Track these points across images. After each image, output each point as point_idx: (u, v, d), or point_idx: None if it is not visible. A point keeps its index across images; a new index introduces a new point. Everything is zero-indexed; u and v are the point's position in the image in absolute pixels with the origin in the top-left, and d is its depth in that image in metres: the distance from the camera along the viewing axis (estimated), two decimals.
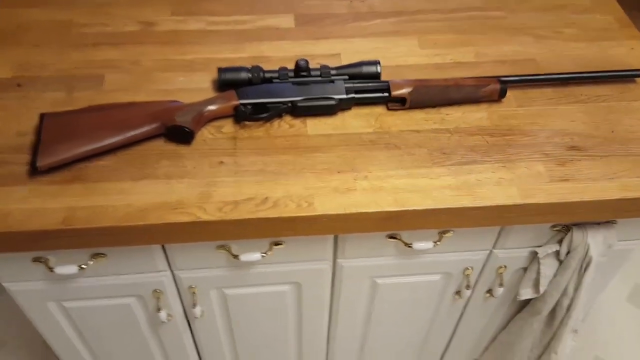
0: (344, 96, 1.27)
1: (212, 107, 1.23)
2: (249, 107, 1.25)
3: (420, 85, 1.29)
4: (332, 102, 1.27)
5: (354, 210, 1.12)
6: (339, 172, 1.18)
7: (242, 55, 1.43)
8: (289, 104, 1.26)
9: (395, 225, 1.17)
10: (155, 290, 1.36)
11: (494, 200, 1.14)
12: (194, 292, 1.39)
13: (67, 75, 1.35)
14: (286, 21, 1.52)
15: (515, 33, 1.50)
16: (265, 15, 1.52)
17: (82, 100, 1.29)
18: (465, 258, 1.39)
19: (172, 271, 1.33)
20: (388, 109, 1.31)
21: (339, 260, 1.36)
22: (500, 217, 1.17)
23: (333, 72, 1.31)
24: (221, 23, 1.50)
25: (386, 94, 1.29)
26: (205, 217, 1.10)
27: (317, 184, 1.16)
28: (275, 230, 1.15)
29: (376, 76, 1.31)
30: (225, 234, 1.14)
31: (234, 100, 1.25)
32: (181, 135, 1.20)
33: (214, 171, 1.17)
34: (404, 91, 1.28)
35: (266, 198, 1.13)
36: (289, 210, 1.12)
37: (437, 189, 1.16)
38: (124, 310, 1.43)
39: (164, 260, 1.29)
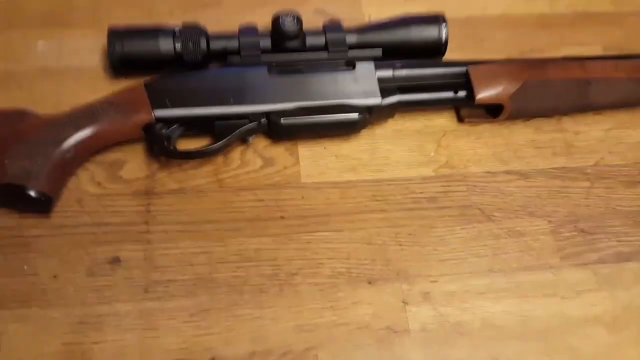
0: (378, 101, 0.61)
1: (88, 132, 0.56)
2: (176, 127, 0.59)
3: (535, 80, 0.62)
4: (353, 117, 0.61)
5: None
6: (369, 283, 0.56)
7: None
8: (262, 119, 0.60)
9: None
10: None
11: None
12: None
13: None
14: None
15: None
16: None
17: None
18: None
19: None
20: (461, 120, 0.66)
21: None
22: None
23: (351, 40, 0.63)
24: None
25: (462, 94, 0.63)
26: None
27: (323, 316, 0.54)
28: None
29: (437, 48, 0.64)
30: None
31: (142, 112, 0.58)
32: (23, 200, 0.54)
33: (93, 287, 0.54)
34: (499, 91, 0.62)
35: None
36: None
37: (581, 324, 0.55)
38: None
39: None
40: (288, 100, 0.60)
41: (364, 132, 0.64)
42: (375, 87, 0.61)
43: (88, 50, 0.66)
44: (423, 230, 0.59)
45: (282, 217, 0.58)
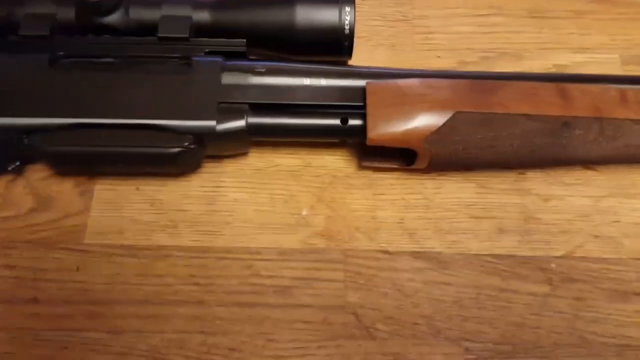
0: (211, 125, 0.38)
1: None
2: None
3: (474, 113, 0.37)
4: (169, 149, 0.38)
5: None
6: None
7: None
8: (23, 139, 0.37)
9: None
10: None
11: None
12: None
13: None
14: None
15: None
16: None
17: None
18: None
19: None
20: (360, 163, 0.42)
21: None
22: None
23: (202, 19, 0.41)
24: None
25: (354, 124, 0.39)
26: None
27: None
28: None
29: (335, 43, 0.41)
30: None
31: None
32: None
33: None
34: (408, 128, 0.37)
35: None
36: None
37: None
38: None
39: None
40: (63, 114, 0.37)
41: (207, 168, 0.41)
42: (213, 102, 0.38)
43: None
44: (255, 343, 0.37)
45: (34, 300, 0.37)
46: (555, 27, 0.48)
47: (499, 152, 0.38)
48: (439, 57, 0.46)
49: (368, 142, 0.37)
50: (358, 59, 0.42)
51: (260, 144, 0.42)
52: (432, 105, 0.37)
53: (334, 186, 0.41)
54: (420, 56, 0.46)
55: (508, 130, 0.37)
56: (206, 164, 0.41)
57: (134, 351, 0.36)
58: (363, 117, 0.38)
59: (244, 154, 0.42)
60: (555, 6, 0.49)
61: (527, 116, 0.37)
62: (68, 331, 0.36)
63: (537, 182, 0.42)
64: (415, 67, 0.45)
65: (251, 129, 0.39)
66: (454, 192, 0.41)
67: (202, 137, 0.38)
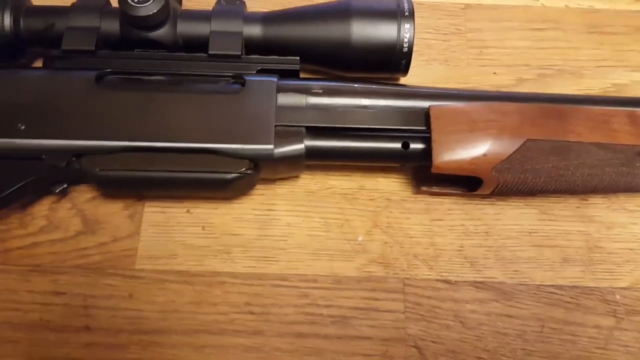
0: (268, 149, 0.36)
1: None
2: None
3: (545, 141, 0.36)
4: (223, 175, 0.36)
5: None
6: None
7: None
8: (71, 162, 0.36)
9: None
10: None
11: None
12: None
13: None
14: None
15: None
16: None
17: None
18: None
19: None
20: (420, 188, 0.40)
21: None
22: None
23: (253, 33, 0.39)
24: None
25: (416, 148, 0.37)
26: None
27: None
28: None
29: (391, 61, 0.39)
30: None
31: None
32: None
33: None
34: (477, 155, 0.36)
35: None
36: None
37: None
38: None
39: None
40: (114, 136, 0.36)
41: (258, 190, 0.40)
42: (270, 124, 0.36)
43: None
44: None
45: (86, 328, 0.36)
46: (614, 43, 0.46)
47: (567, 181, 0.37)
48: (495, 73, 0.45)
49: (433, 170, 0.36)
50: (411, 74, 0.41)
51: (311, 165, 0.41)
52: (501, 132, 0.35)
53: (389, 210, 0.40)
54: (475, 72, 0.45)
55: (580, 159, 0.36)
56: (257, 186, 0.40)
57: None
58: (425, 140, 0.37)
59: (296, 175, 0.41)
60: (614, 21, 0.47)
61: (600, 145, 0.36)
62: None
63: (600, 208, 0.40)
64: (470, 84, 0.44)
65: (309, 153, 0.37)
66: (515, 218, 0.40)
67: (257, 162, 0.36)
